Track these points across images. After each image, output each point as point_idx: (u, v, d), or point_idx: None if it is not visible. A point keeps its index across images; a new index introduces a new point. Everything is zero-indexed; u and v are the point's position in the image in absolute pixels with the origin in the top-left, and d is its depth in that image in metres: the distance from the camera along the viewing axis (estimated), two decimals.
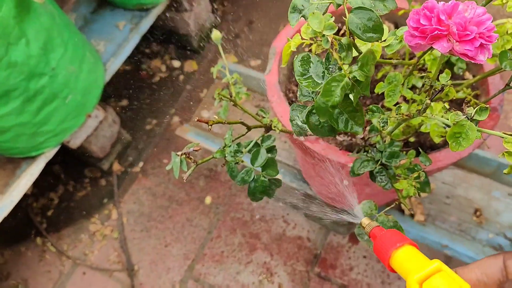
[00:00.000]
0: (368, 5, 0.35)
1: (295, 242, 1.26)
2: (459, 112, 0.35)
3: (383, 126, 0.45)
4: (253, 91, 1.42)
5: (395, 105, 0.52)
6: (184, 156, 0.52)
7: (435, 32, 0.34)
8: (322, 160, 0.73)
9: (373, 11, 0.33)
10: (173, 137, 1.46)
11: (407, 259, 0.39)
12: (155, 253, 1.28)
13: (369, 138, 0.55)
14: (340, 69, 0.37)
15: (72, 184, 1.43)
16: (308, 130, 0.43)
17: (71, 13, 1.32)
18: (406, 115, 0.44)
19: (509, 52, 0.50)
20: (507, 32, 0.54)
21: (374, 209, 0.56)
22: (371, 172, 0.58)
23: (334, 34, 0.35)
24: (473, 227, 1.02)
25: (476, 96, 0.79)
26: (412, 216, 1.05)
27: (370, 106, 0.47)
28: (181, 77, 1.59)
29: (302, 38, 0.34)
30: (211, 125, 0.51)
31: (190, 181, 1.37)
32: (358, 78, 0.32)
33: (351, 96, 0.37)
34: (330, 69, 0.39)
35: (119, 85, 1.59)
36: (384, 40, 0.44)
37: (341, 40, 0.34)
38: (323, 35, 0.32)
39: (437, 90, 0.40)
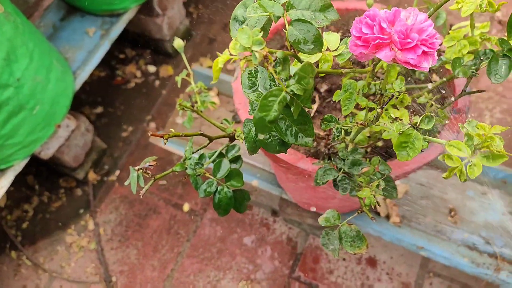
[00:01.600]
0: (308, 16, 0.34)
1: (275, 247, 1.25)
2: (405, 121, 0.34)
3: (338, 136, 0.44)
4: (228, 96, 1.41)
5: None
6: (141, 171, 0.51)
7: (377, 41, 0.33)
8: (289, 167, 0.72)
9: (311, 23, 0.32)
10: (150, 144, 1.44)
11: None
12: (133, 263, 1.26)
13: (331, 145, 0.54)
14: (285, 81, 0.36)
15: (47, 195, 1.40)
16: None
17: (39, 21, 1.29)
18: (361, 124, 0.44)
19: (468, 56, 0.50)
20: (464, 36, 0.53)
21: (337, 219, 0.55)
22: (334, 181, 0.57)
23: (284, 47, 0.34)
24: (448, 227, 1.03)
25: (443, 99, 0.79)
26: (387, 218, 1.05)
27: (325, 116, 0.46)
28: (157, 82, 1.57)
29: (230, 54, 0.33)
30: (166, 139, 0.49)
31: (167, 189, 1.36)
32: (296, 92, 0.31)
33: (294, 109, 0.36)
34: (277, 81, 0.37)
35: (93, 92, 1.56)
36: (336, 49, 0.43)
37: (276, 54, 0.33)
38: (252, 51, 0.31)
39: (388, 97, 0.39)
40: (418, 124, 0.36)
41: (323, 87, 0.84)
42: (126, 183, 0.54)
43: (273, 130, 0.34)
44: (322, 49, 0.44)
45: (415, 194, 1.08)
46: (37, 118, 1.03)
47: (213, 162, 0.61)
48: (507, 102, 1.46)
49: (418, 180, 1.09)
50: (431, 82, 0.81)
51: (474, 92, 0.55)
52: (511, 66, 0.45)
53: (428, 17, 0.34)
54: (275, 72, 0.32)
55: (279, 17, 0.34)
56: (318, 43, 0.33)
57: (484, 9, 0.49)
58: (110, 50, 1.58)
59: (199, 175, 0.57)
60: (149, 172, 0.50)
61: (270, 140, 0.40)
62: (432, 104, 0.57)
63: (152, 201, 1.35)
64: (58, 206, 1.38)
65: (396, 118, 0.39)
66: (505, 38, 0.47)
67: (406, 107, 0.65)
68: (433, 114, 0.39)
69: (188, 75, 0.74)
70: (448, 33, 0.62)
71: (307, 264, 1.22)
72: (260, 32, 0.30)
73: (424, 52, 0.34)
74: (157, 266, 1.25)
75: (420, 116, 0.39)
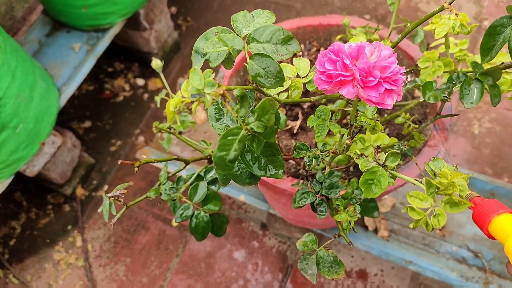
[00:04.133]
0: (269, 50, 0.33)
1: (265, 261, 1.23)
2: (370, 159, 0.34)
3: (309, 165, 0.43)
4: None
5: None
6: (113, 199, 0.50)
7: (339, 78, 0.32)
8: (269, 187, 0.71)
9: (272, 58, 0.32)
10: (139, 158, 1.43)
11: (507, 224, 0.40)
12: (121, 280, 1.24)
13: (310, 168, 0.54)
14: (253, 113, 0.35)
15: (34, 211, 1.38)
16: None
17: (25, 37, 1.29)
18: (332, 153, 0.43)
19: (445, 75, 0.50)
20: (439, 57, 0.53)
21: (314, 243, 0.54)
22: (312, 204, 0.56)
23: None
24: (436, 240, 1.02)
25: (425, 115, 0.79)
26: (376, 232, 1.04)
27: (297, 144, 0.46)
28: (146, 95, 1.56)
29: (182, 97, 0.32)
30: (137, 167, 0.48)
31: (155, 204, 1.34)
32: (256, 130, 0.31)
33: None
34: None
35: (81, 106, 1.55)
36: (306, 76, 0.42)
37: (234, 92, 0.32)
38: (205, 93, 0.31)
39: (357, 128, 0.39)
40: (383, 161, 0.36)
41: (306, 103, 0.84)
42: (99, 210, 0.53)
43: (233, 169, 0.34)
44: (293, 75, 0.43)
45: (403, 207, 1.07)
46: (21, 137, 1.02)
47: (190, 185, 0.60)
48: (496, 111, 1.46)
49: (406, 193, 1.09)
50: (413, 97, 0.81)
51: (448, 115, 0.55)
52: (483, 90, 0.44)
53: (393, 52, 0.34)
54: (233, 110, 0.31)
55: (239, 51, 0.34)
56: (279, 78, 0.32)
57: (457, 30, 0.49)
58: (98, 64, 1.58)
59: (174, 200, 0.56)
60: (121, 199, 0.49)
61: (239, 172, 0.39)
62: (409, 125, 0.56)
63: (141, 216, 1.34)
64: (46, 223, 1.36)
65: (362, 154, 0.39)
66: (477, 62, 0.47)
67: (387, 125, 0.64)
68: (399, 149, 0.38)
69: (167, 94, 0.73)
70: (427, 49, 0.62)
71: (298, 277, 1.21)
72: (213, 73, 0.30)
73: (387, 89, 0.33)
74: (146, 283, 1.24)
75: (400, 136, 0.38)
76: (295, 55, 0.48)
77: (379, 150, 0.39)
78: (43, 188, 1.39)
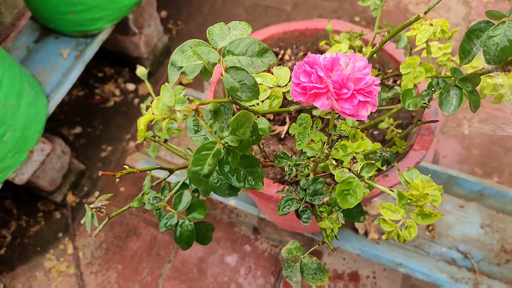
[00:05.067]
0: (245, 62, 0.33)
1: (257, 265, 1.23)
2: (345, 170, 0.34)
3: (289, 174, 0.44)
4: None
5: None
6: (95, 210, 0.50)
7: (313, 91, 0.32)
8: (256, 193, 0.71)
9: (246, 71, 0.32)
10: (129, 164, 1.42)
11: None
12: (113, 287, 1.23)
13: (290, 177, 0.54)
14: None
15: (25, 219, 1.37)
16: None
17: (13, 43, 1.28)
18: (313, 161, 0.43)
19: (428, 80, 0.50)
20: (420, 63, 0.53)
21: (298, 251, 0.55)
22: (296, 211, 0.57)
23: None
24: (426, 242, 1.02)
25: (412, 117, 0.79)
26: (366, 234, 1.05)
27: (278, 153, 0.46)
28: (136, 100, 1.56)
29: (153, 113, 0.32)
30: (119, 178, 0.48)
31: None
32: (230, 144, 0.31)
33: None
34: (223, 125, 0.37)
35: (71, 112, 1.55)
36: (285, 86, 0.43)
37: (207, 106, 0.32)
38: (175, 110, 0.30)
39: (336, 137, 0.39)
40: (359, 171, 0.36)
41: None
42: (82, 221, 0.53)
43: (208, 183, 0.34)
44: (273, 84, 0.43)
45: None
46: (8, 145, 1.01)
47: (175, 193, 0.60)
48: (485, 111, 1.47)
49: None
50: (399, 102, 0.81)
51: (428, 122, 0.55)
52: (462, 97, 0.45)
53: (368, 62, 0.34)
54: (207, 125, 0.31)
55: (214, 64, 0.34)
56: (254, 91, 0.32)
57: (438, 36, 0.49)
58: (88, 69, 1.57)
59: (159, 209, 0.56)
60: (103, 211, 0.49)
61: (219, 184, 0.39)
62: (393, 130, 0.57)
63: (132, 222, 1.34)
64: (37, 230, 1.35)
65: (337, 165, 0.39)
66: (457, 68, 0.47)
67: (370, 131, 0.64)
68: (381, 155, 0.38)
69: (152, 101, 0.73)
70: (410, 54, 0.62)
71: (289, 284, 1.21)
72: (184, 89, 0.29)
73: (361, 101, 0.33)
74: None
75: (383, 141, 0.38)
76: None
77: (354, 160, 0.39)
78: (33, 195, 1.38)
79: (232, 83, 0.32)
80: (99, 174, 0.45)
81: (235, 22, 0.37)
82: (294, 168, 0.44)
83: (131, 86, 1.59)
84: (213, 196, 1.20)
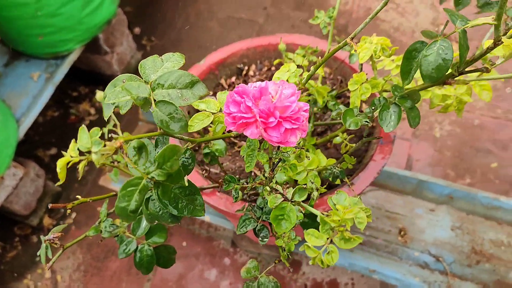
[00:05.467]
0: (174, 95, 0.34)
1: (237, 278, 1.23)
2: (278, 195, 0.35)
3: (236, 197, 0.44)
4: None
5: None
6: (48, 242, 0.50)
7: (241, 121, 0.33)
8: (221, 211, 0.72)
9: (174, 105, 0.33)
10: (103, 184, 1.42)
11: None
12: None
13: (236, 201, 0.54)
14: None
15: (1, 245, 1.36)
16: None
17: None
18: (259, 183, 0.44)
19: (383, 94, 0.51)
20: (366, 80, 0.55)
21: (256, 270, 0.55)
22: (254, 230, 0.57)
23: None
24: (399, 247, 1.04)
25: (373, 128, 0.81)
26: None
27: (226, 177, 0.46)
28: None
29: (71, 156, 0.33)
30: (70, 209, 0.49)
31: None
32: (157, 179, 0.31)
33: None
34: None
35: (46, 133, 1.54)
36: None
37: (131, 144, 0.33)
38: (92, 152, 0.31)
39: (276, 161, 0.40)
40: (291, 197, 0.37)
41: None
42: (38, 253, 0.53)
43: (135, 218, 0.34)
44: (216, 110, 0.44)
45: None
46: None
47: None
48: (455, 113, 1.50)
49: (367, 201, 1.11)
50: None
51: (372, 138, 0.56)
52: (400, 114, 0.46)
53: (297, 89, 0.35)
54: (132, 162, 0.32)
55: (145, 98, 0.34)
56: (184, 123, 0.33)
57: (378, 54, 0.51)
58: (63, 89, 1.57)
59: (117, 236, 0.56)
60: (57, 242, 0.49)
61: (161, 212, 0.39)
62: (346, 144, 0.58)
63: (111, 242, 1.33)
64: (13, 256, 1.33)
65: (272, 190, 0.40)
66: (399, 85, 0.48)
67: (326, 147, 0.66)
68: (331, 172, 0.39)
69: (115, 125, 0.73)
70: (361, 70, 0.64)
71: None
72: (100, 130, 0.30)
73: (288, 129, 0.34)
74: None
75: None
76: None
77: (287, 186, 0.40)
78: (9, 220, 1.36)
79: (161, 116, 0.33)
80: (49, 207, 0.45)
81: (169, 54, 0.38)
82: (239, 192, 0.45)
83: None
84: None
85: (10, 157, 1.10)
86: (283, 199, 0.37)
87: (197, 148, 0.82)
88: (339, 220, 0.37)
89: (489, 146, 1.42)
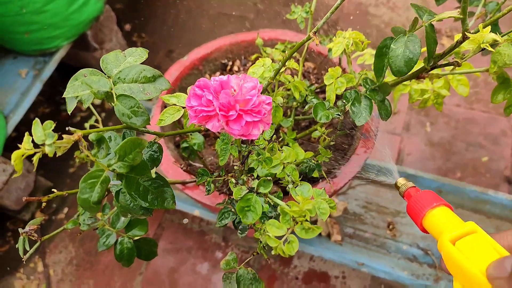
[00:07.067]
0: (136, 89, 0.34)
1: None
2: (244, 187, 0.35)
3: (208, 190, 0.45)
4: None
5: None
6: (25, 234, 0.50)
7: (202, 114, 0.33)
8: (205, 205, 0.72)
9: (135, 99, 0.33)
10: None
11: (441, 219, 0.38)
12: None
13: (208, 194, 0.54)
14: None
15: None
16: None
17: None
18: (231, 176, 0.44)
19: (345, 92, 0.51)
20: (341, 74, 0.55)
21: (235, 262, 0.56)
22: (233, 222, 0.58)
23: None
24: (388, 241, 1.04)
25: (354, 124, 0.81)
26: (329, 236, 1.06)
27: (199, 170, 0.47)
28: (103, 114, 1.56)
29: (26, 149, 0.33)
30: (45, 202, 0.49)
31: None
32: (119, 171, 0.32)
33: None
34: None
35: None
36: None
37: (89, 137, 0.33)
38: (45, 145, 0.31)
39: (246, 153, 0.40)
40: (256, 188, 0.37)
41: None
42: (17, 246, 0.53)
43: (98, 210, 0.35)
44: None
45: (354, 210, 1.10)
46: None
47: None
48: (446, 108, 1.50)
49: (357, 196, 1.11)
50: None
51: (344, 132, 0.56)
52: (371, 107, 0.46)
53: (258, 83, 0.35)
54: (92, 155, 0.32)
55: (106, 93, 0.35)
56: (145, 116, 0.33)
57: (351, 49, 0.51)
58: (54, 85, 1.57)
59: (96, 229, 0.56)
60: (34, 234, 0.50)
61: (132, 205, 0.40)
62: (325, 138, 0.58)
63: None
64: (6, 250, 1.34)
65: (237, 183, 0.40)
66: (368, 78, 0.48)
67: (305, 140, 0.66)
68: (307, 165, 0.39)
69: (96, 121, 0.73)
70: (340, 65, 0.63)
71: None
72: (54, 124, 0.31)
73: (250, 121, 0.34)
74: None
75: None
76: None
77: (252, 177, 0.40)
78: (1, 215, 1.37)
79: (123, 110, 0.33)
80: (23, 200, 0.45)
81: (131, 49, 0.38)
82: (212, 185, 0.45)
83: (96, 101, 1.59)
84: (179, 207, 1.21)
85: None
86: (248, 190, 0.37)
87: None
88: (299, 211, 0.38)
89: (481, 140, 1.42)
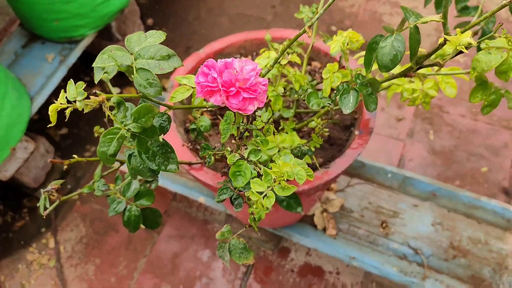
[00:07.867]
0: (153, 65, 0.40)
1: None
2: (236, 154, 0.41)
3: (208, 162, 0.51)
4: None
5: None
6: (47, 193, 0.57)
7: (207, 89, 0.40)
8: (209, 187, 0.78)
9: (151, 72, 0.39)
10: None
11: None
12: (91, 280, 1.30)
13: (209, 165, 0.60)
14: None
15: (10, 215, 1.45)
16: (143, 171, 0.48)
17: (2, 48, 1.36)
18: (231, 151, 0.50)
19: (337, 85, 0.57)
20: (337, 69, 0.61)
21: (229, 233, 0.61)
22: (230, 198, 0.63)
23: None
24: (380, 238, 1.09)
25: (355, 119, 0.86)
26: (324, 230, 1.11)
27: (202, 144, 0.53)
28: None
29: (61, 104, 0.39)
30: (67, 165, 0.56)
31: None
32: (133, 131, 0.38)
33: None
34: None
35: (59, 114, 1.63)
36: None
37: (111, 99, 0.39)
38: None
39: (243, 130, 0.46)
40: (247, 156, 0.43)
41: None
42: (38, 204, 0.60)
43: (114, 162, 0.41)
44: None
45: (351, 207, 1.15)
46: None
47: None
48: (450, 118, 1.54)
49: (354, 193, 1.16)
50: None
51: (334, 121, 0.62)
52: (358, 98, 0.52)
53: (257, 66, 0.41)
54: (112, 114, 0.39)
55: (128, 66, 0.41)
56: (159, 87, 0.40)
57: (346, 47, 0.57)
58: (76, 73, 1.66)
59: (108, 196, 0.63)
60: (54, 194, 0.56)
61: (141, 167, 0.46)
62: (321, 128, 0.64)
63: (112, 218, 1.41)
64: (21, 225, 1.42)
65: (232, 151, 0.46)
66: (360, 74, 0.54)
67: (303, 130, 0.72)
68: (300, 149, 0.44)
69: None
70: (339, 62, 0.69)
71: (258, 275, 1.27)
72: (85, 84, 0.37)
73: (246, 97, 0.40)
74: (114, 282, 1.30)
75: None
76: None
77: (245, 147, 0.46)
78: (19, 192, 1.45)
79: (140, 81, 0.40)
80: (48, 161, 0.52)
81: (152, 31, 0.44)
82: (212, 157, 0.51)
83: (116, 90, 1.67)
84: (182, 193, 1.27)
85: (22, 132, 1.18)
86: (239, 157, 0.43)
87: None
88: (279, 172, 0.43)
89: (482, 151, 1.45)
